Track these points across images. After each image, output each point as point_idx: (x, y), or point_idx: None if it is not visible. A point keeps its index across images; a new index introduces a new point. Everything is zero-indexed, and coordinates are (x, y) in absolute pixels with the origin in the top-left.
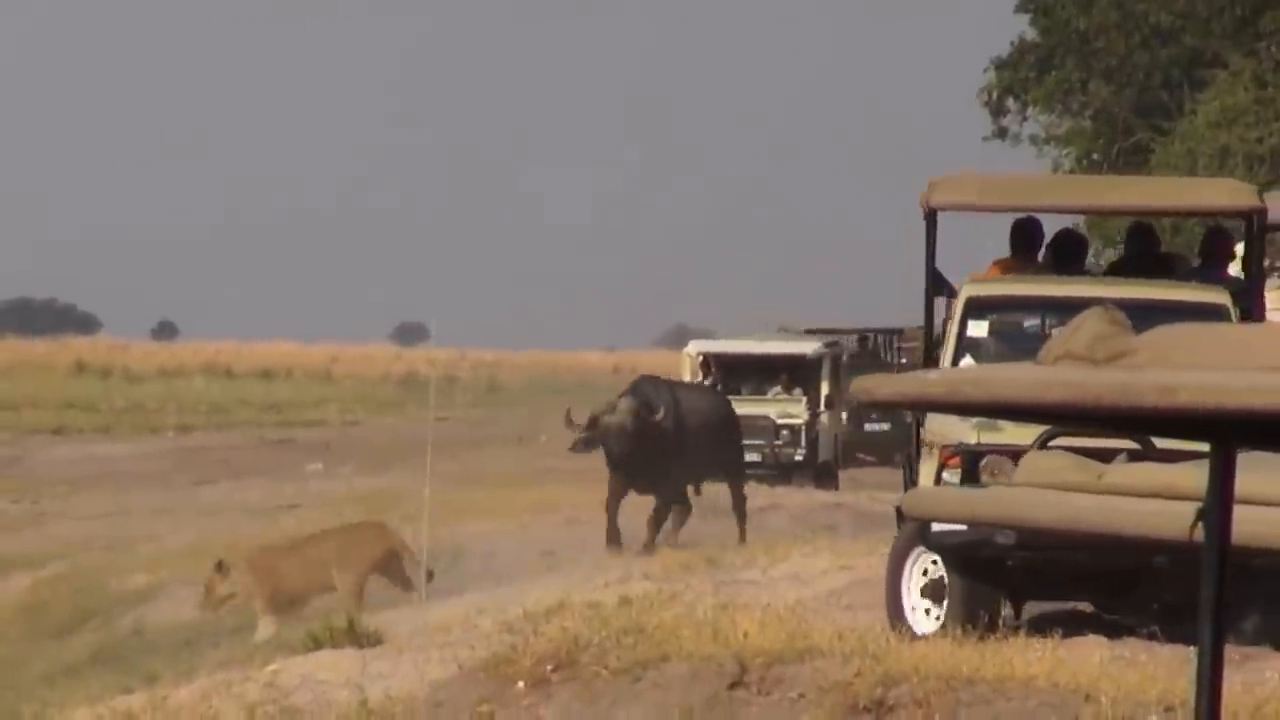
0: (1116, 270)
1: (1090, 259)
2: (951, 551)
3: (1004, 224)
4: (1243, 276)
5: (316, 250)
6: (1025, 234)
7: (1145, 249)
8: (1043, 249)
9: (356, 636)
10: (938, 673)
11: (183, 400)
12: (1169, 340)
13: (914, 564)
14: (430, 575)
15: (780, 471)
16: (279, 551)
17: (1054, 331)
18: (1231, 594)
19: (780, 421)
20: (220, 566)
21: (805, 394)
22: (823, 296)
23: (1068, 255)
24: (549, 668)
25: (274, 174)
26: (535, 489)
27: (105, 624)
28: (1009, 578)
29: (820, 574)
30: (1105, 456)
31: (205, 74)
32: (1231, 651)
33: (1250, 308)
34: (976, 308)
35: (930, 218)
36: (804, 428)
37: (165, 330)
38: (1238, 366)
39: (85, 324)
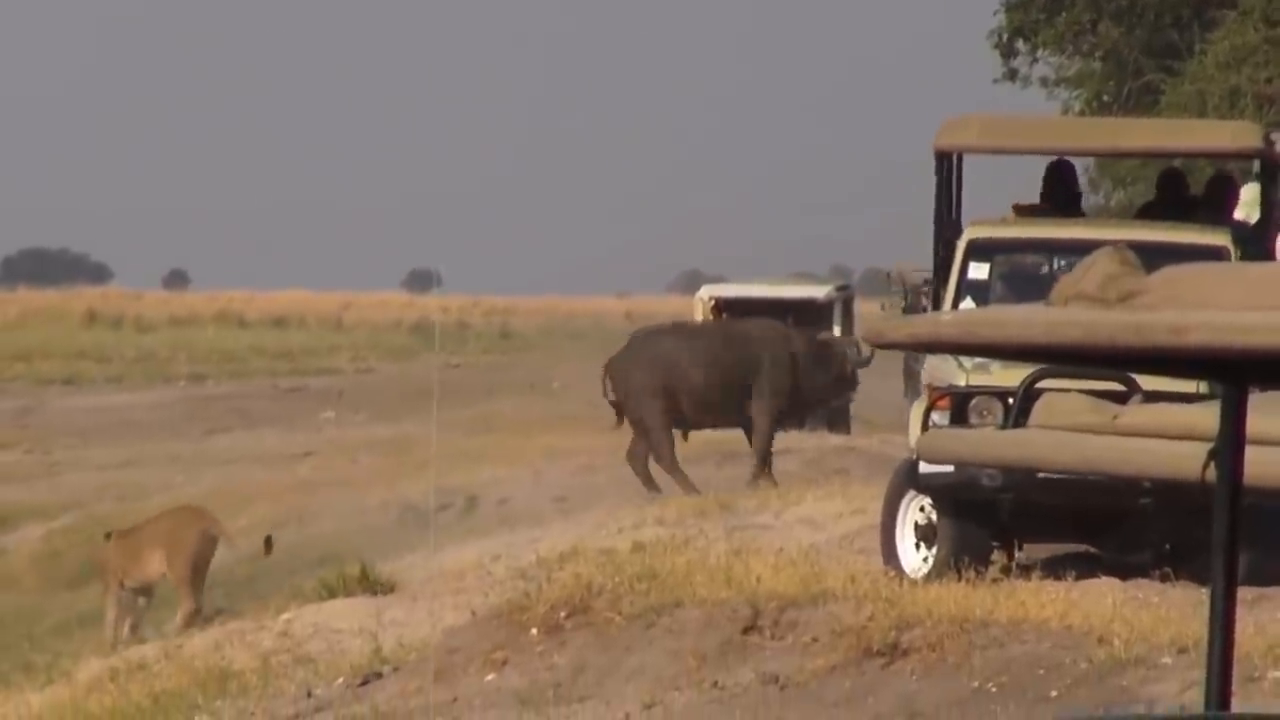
0: (1146, 215)
1: (1100, 200)
2: (940, 493)
3: (1030, 166)
4: (1252, 220)
5: (327, 197)
6: (1059, 177)
7: (1175, 194)
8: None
9: (370, 584)
10: (951, 616)
11: (195, 349)
12: (1180, 280)
13: (908, 506)
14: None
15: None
16: (118, 538)
17: (1060, 273)
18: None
19: None
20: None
21: None
22: (835, 241)
23: (1060, 186)
24: (562, 614)
25: (282, 122)
26: (548, 435)
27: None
28: (997, 518)
29: (833, 518)
30: (1119, 399)
31: (215, 24)
32: (1244, 592)
33: (1258, 252)
34: (978, 250)
35: (939, 160)
36: None
37: (177, 279)
38: (1249, 306)
39: (97, 273)
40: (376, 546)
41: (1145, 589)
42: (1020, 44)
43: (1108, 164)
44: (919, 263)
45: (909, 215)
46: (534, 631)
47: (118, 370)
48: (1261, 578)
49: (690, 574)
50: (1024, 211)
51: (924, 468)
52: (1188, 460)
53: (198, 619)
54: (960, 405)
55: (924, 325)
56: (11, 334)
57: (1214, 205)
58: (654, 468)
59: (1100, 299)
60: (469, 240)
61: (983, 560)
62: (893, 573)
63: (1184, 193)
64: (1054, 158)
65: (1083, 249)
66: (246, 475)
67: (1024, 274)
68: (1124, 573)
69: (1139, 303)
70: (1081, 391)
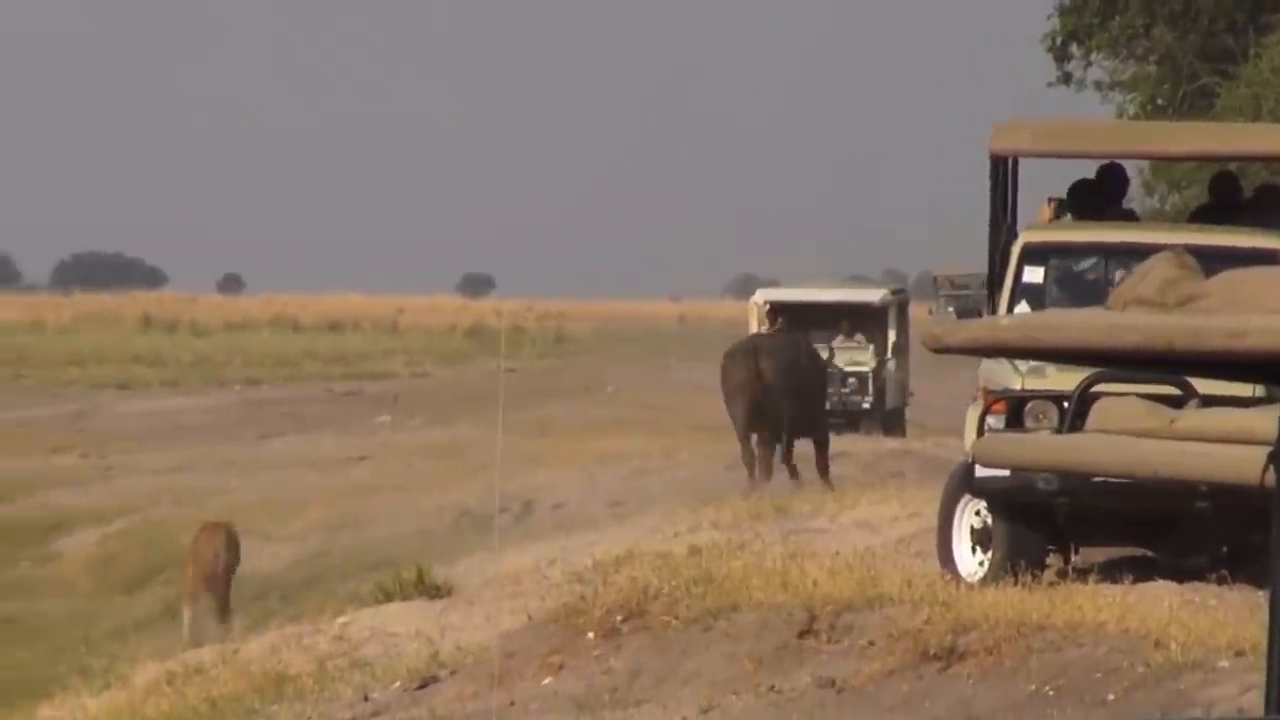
0: (1199, 218)
1: (1154, 203)
2: (995, 497)
3: (1084, 170)
4: None
5: (382, 202)
6: (1110, 180)
7: (1228, 198)
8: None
9: (427, 588)
10: (1008, 619)
11: (249, 353)
12: (1238, 284)
13: (964, 510)
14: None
15: (847, 419)
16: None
17: (1118, 277)
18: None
19: (847, 369)
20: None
21: (872, 341)
22: (890, 246)
23: (1110, 190)
24: (619, 618)
25: (340, 128)
26: (603, 439)
27: (174, 578)
28: (1053, 523)
29: (889, 521)
30: (1174, 403)
31: (270, 30)
32: None
33: None
34: (1033, 254)
35: (994, 164)
36: (871, 375)
37: (231, 283)
38: None
39: (152, 278)
40: (433, 550)
41: (1202, 592)
42: (1074, 48)
43: (1162, 168)
44: (961, 267)
45: (963, 219)
46: (590, 635)
47: (172, 374)
48: None
49: (746, 577)
50: (1058, 205)
51: (980, 472)
52: (1246, 464)
53: (200, 631)
54: (1016, 409)
55: (982, 329)
56: (66, 338)
57: (1262, 210)
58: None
59: (1159, 303)
60: (523, 244)
61: (1039, 564)
62: (949, 576)
63: (1237, 196)
64: (1107, 161)
65: (1138, 253)
66: (301, 479)
67: (1079, 278)
68: (1181, 576)
69: (1197, 306)
70: (1138, 396)
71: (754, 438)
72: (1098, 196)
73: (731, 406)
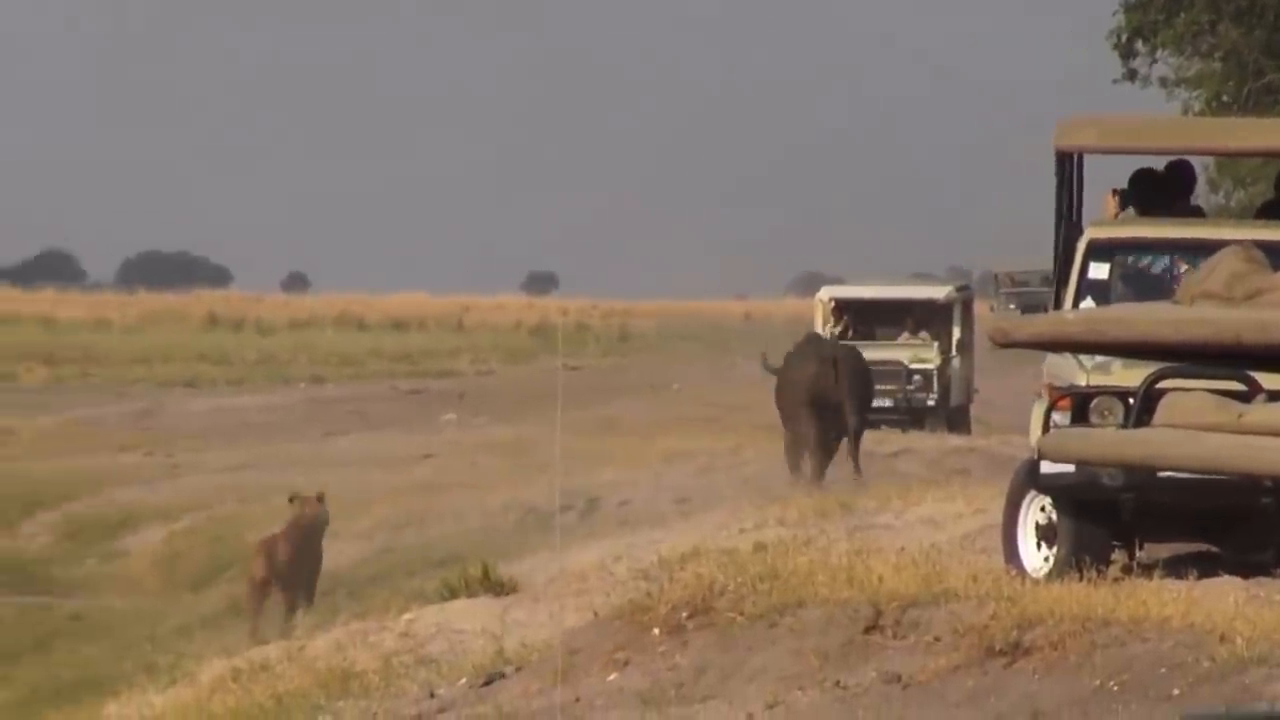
0: (1267, 213)
1: (1220, 200)
2: (1060, 493)
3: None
4: None
5: (447, 201)
6: (1177, 176)
7: None
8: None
9: (492, 585)
10: (1073, 615)
11: (314, 352)
12: None
13: (1029, 506)
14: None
15: (912, 416)
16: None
17: (1183, 273)
18: None
19: (912, 366)
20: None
21: (937, 338)
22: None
23: (1177, 187)
24: (684, 614)
25: (401, 125)
26: (668, 437)
27: (240, 575)
28: (1118, 518)
29: (954, 518)
30: (1241, 399)
31: (332, 27)
32: None
33: None
34: (1099, 250)
35: (1059, 161)
36: (936, 372)
37: (296, 282)
38: None
39: (217, 277)
40: (498, 547)
41: (1268, 587)
42: (1140, 44)
43: (1227, 164)
44: (1021, 264)
45: (1028, 217)
46: (656, 632)
47: (238, 373)
48: None
49: (812, 574)
50: (1122, 196)
51: (1045, 468)
52: None
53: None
54: (1081, 405)
55: (1048, 324)
56: (132, 337)
57: None
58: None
59: (1227, 297)
60: (588, 243)
61: (1103, 560)
62: (1014, 572)
63: None
64: (1173, 158)
65: (1205, 249)
66: (366, 477)
67: (1145, 274)
68: (1246, 571)
69: (1265, 300)
70: (1206, 391)
71: (812, 439)
72: (1161, 187)
73: (793, 408)
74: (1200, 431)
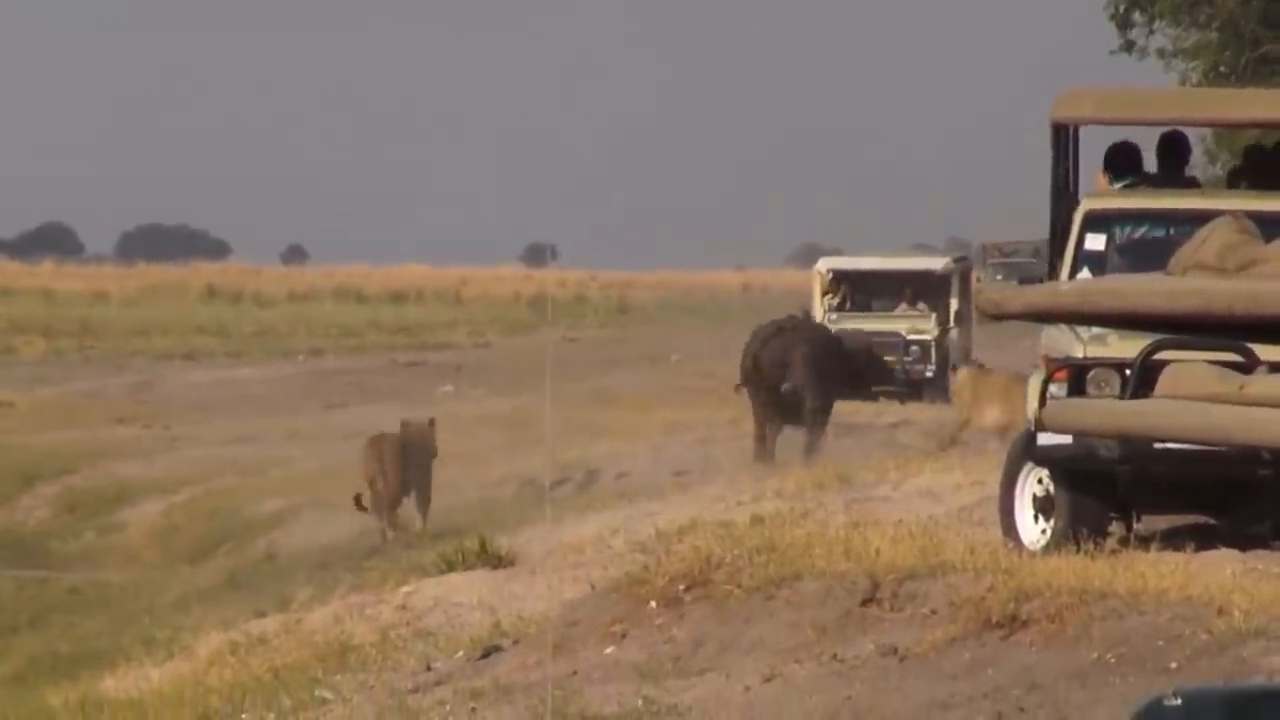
0: (1234, 181)
1: (1217, 171)
2: (1057, 465)
3: (1147, 138)
4: None
5: (445, 173)
6: (1172, 147)
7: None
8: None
9: (489, 558)
10: (1070, 587)
11: (313, 324)
12: None
13: (1026, 478)
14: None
15: (911, 388)
16: None
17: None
18: None
19: (910, 338)
20: None
21: (934, 310)
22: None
23: (1172, 157)
24: (682, 587)
25: (399, 96)
26: (666, 409)
27: (238, 548)
28: (1115, 491)
29: (952, 490)
30: (1243, 370)
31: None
32: None
33: None
34: (1095, 221)
35: (1055, 132)
36: (934, 344)
37: (295, 254)
38: None
39: (215, 249)
40: (496, 520)
41: (1265, 560)
42: (1137, 15)
43: (1225, 135)
44: (1010, 235)
45: (1026, 188)
46: (653, 604)
47: (236, 345)
48: None
49: (809, 546)
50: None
51: (1042, 440)
52: None
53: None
54: (1078, 377)
55: (1042, 295)
56: (130, 309)
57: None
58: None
59: (1219, 268)
60: (587, 214)
61: (1101, 532)
62: (1011, 544)
63: None
64: (1169, 129)
65: (1200, 220)
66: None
67: (1141, 245)
68: (1244, 544)
69: (1257, 271)
70: (1206, 361)
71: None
72: (1133, 158)
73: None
74: (1201, 402)
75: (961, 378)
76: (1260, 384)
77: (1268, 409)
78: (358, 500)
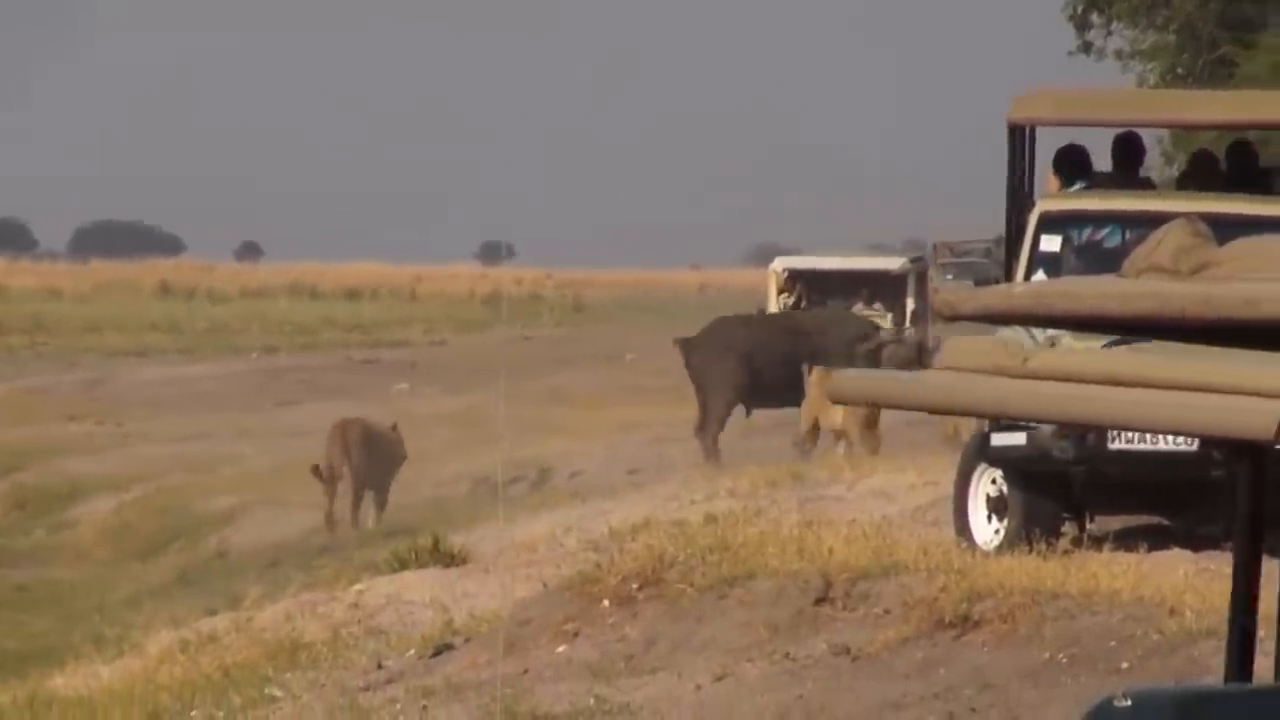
0: (1183, 186)
1: (1174, 172)
2: (1011, 465)
3: (1104, 139)
4: None
5: (400, 169)
6: (1126, 148)
7: (1244, 165)
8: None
9: (442, 556)
10: (1022, 587)
11: (267, 321)
12: (1253, 252)
13: (980, 478)
14: (317, 470)
15: None
16: None
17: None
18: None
19: None
20: None
21: (891, 310)
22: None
23: (1127, 159)
24: (634, 586)
25: (356, 92)
26: (621, 408)
27: (189, 546)
28: (1068, 491)
29: (906, 490)
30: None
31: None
32: None
33: None
34: (1050, 223)
35: (1012, 133)
36: None
37: (249, 251)
38: None
39: (169, 245)
40: (449, 518)
41: (1217, 560)
42: (1094, 17)
43: (1182, 137)
44: (962, 235)
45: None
46: (606, 603)
47: (189, 342)
48: None
49: (762, 545)
50: (1061, 168)
51: (995, 440)
52: (1083, 403)
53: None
54: None
55: (996, 296)
56: (83, 306)
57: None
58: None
59: (1173, 270)
60: (543, 212)
61: (1053, 532)
62: (964, 545)
63: (1254, 162)
64: (1124, 130)
65: (1156, 222)
66: (318, 447)
67: (1097, 247)
68: (1196, 545)
69: (1212, 274)
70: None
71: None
72: (1083, 161)
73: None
74: (984, 376)
75: (813, 379)
76: (1044, 357)
77: (1050, 383)
78: (316, 469)
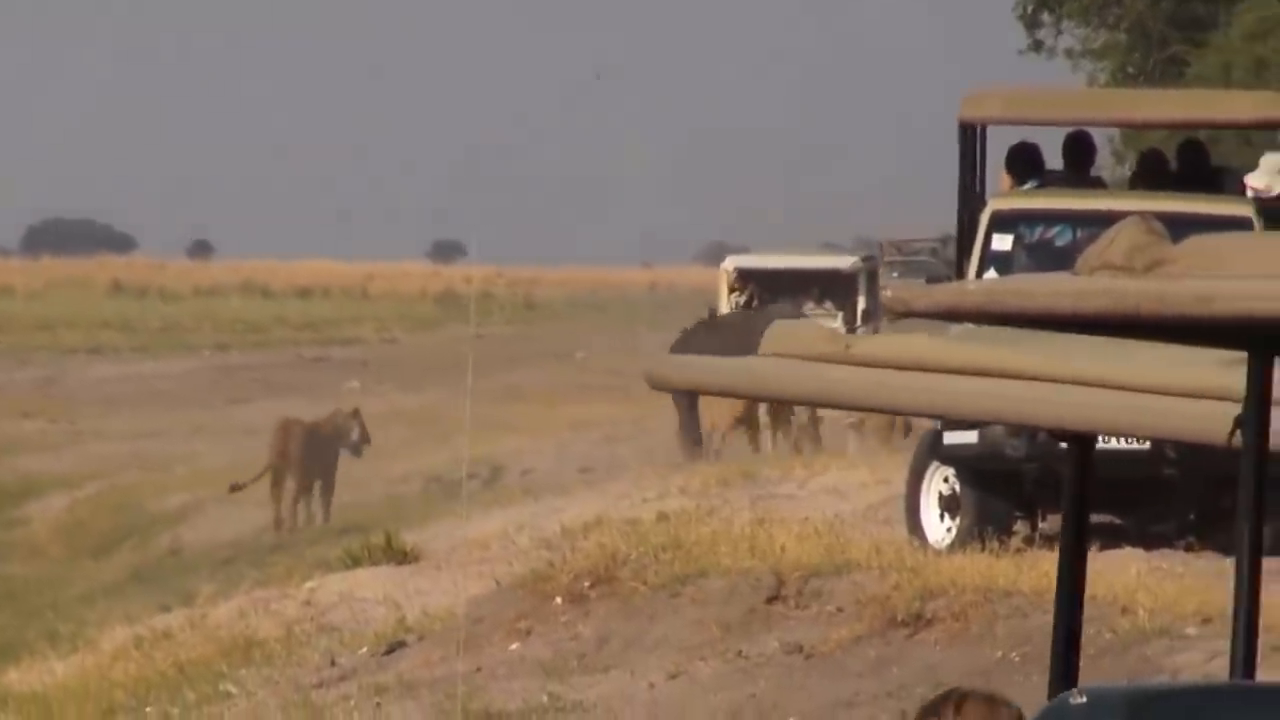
0: (1166, 186)
1: (1125, 171)
2: (963, 463)
3: (1054, 138)
4: (1274, 190)
5: (352, 167)
6: (1078, 148)
7: (1196, 164)
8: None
9: (395, 554)
10: (974, 585)
11: (219, 319)
12: (1206, 249)
13: (932, 476)
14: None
15: None
16: None
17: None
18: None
19: None
20: None
21: (841, 309)
22: (858, 214)
23: (1078, 158)
24: (587, 584)
25: (304, 91)
26: (573, 406)
27: (143, 543)
28: (1020, 489)
29: (858, 488)
30: None
31: None
32: (1269, 563)
33: None
34: (1001, 221)
35: (963, 132)
36: None
37: (201, 249)
38: (1275, 275)
39: (121, 243)
40: (401, 516)
41: (1169, 559)
42: (1045, 16)
43: (1132, 136)
44: (909, 233)
45: (933, 187)
46: (558, 601)
47: (142, 340)
48: None
49: (715, 544)
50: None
51: (947, 439)
52: (915, 393)
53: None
54: None
55: (949, 294)
56: (35, 303)
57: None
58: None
59: (1126, 268)
60: (492, 210)
61: (1006, 530)
62: (917, 543)
63: (1205, 161)
64: (1074, 129)
65: (1107, 220)
66: (270, 445)
67: (1048, 246)
68: (1148, 543)
69: (1165, 272)
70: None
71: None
72: (1034, 159)
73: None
74: (808, 361)
75: None
76: (867, 344)
77: (871, 369)
78: (233, 488)
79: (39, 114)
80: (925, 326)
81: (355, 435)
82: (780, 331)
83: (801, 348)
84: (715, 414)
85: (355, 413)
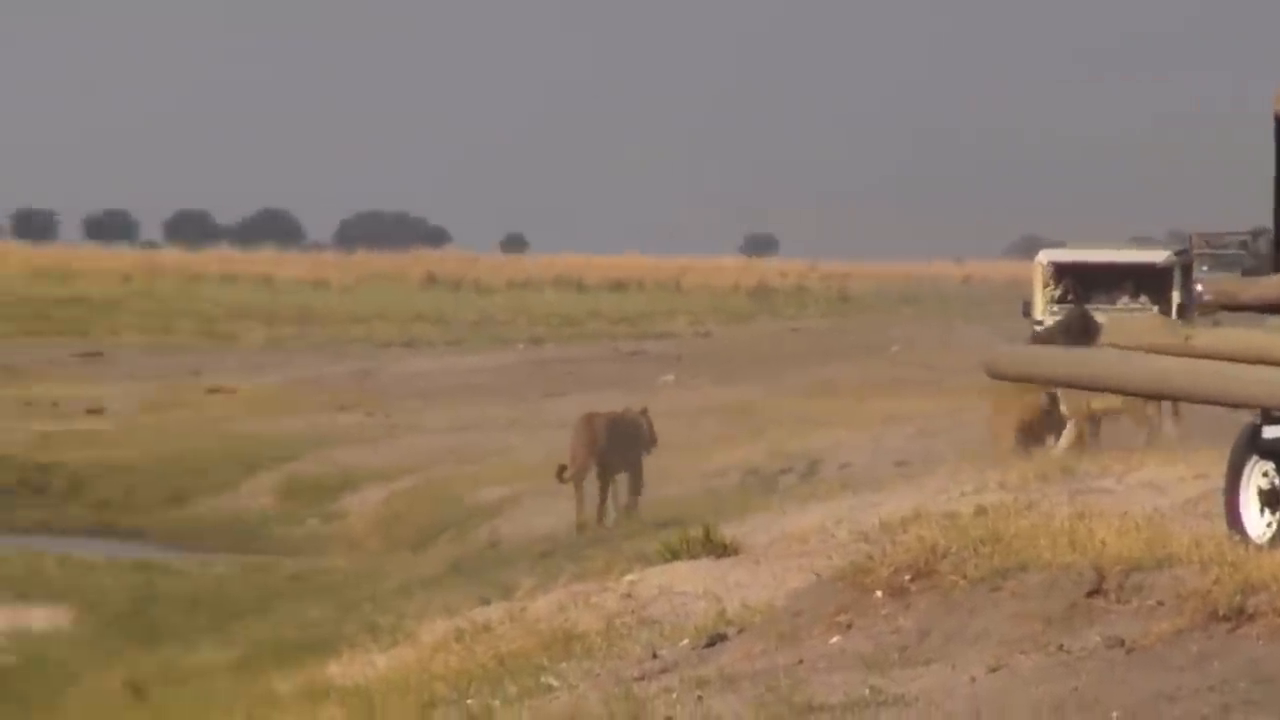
0: None
1: None
2: None
3: None
4: None
5: (663, 163)
6: None
7: None
8: None
9: (713, 547)
10: None
11: (534, 312)
12: None
13: (1251, 471)
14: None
15: None
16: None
17: None
18: None
19: None
20: None
21: (1156, 303)
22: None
23: None
24: (907, 577)
25: (626, 87)
26: (887, 399)
27: (460, 536)
28: None
29: (1176, 482)
30: None
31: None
32: None
33: None
34: None
35: (1278, 124)
36: None
37: (514, 243)
38: None
39: (435, 237)
40: (719, 509)
41: None
42: None
43: None
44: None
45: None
46: (878, 594)
47: (456, 333)
48: None
49: (1034, 537)
50: None
51: (1266, 433)
52: (1263, 385)
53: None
54: None
55: (1274, 286)
56: (350, 297)
57: None
58: None
59: None
60: (806, 205)
61: None
62: (1237, 537)
63: None
64: None
65: None
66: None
67: None
68: None
69: None
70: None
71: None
72: None
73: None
74: (1146, 353)
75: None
76: (1207, 336)
77: (1210, 361)
78: (560, 471)
79: (355, 109)
80: (1239, 320)
81: (647, 433)
82: (1121, 323)
83: (1140, 339)
84: (1074, 406)
85: (644, 411)
